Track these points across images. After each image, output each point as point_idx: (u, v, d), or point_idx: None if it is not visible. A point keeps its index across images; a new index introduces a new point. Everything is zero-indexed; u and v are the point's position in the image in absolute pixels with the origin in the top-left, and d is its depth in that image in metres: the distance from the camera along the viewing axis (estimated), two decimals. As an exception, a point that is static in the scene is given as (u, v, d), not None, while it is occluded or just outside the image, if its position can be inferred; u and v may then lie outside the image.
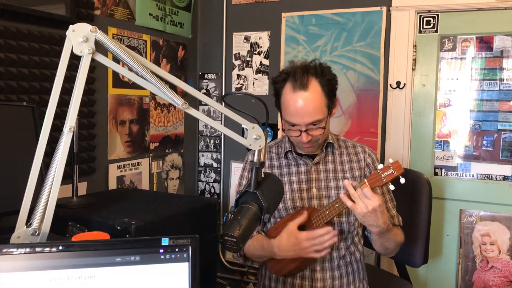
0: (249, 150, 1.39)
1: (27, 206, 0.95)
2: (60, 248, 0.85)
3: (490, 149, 2.45)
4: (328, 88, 1.54)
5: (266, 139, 1.16)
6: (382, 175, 1.44)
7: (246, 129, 1.15)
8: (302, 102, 1.50)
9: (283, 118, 1.58)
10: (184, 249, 0.90)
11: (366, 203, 1.39)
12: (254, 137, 1.13)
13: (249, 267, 2.94)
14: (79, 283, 0.85)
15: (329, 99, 1.55)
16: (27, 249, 0.84)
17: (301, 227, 1.57)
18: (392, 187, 1.48)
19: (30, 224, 0.95)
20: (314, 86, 1.52)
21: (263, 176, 1.16)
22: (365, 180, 1.45)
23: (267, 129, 1.17)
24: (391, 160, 1.46)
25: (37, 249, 0.84)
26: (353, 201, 1.42)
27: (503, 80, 2.41)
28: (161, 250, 0.89)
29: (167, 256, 0.89)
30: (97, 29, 0.98)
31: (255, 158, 1.14)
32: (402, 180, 1.44)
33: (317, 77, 1.53)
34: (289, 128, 1.56)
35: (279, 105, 1.59)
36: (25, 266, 0.83)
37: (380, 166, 1.46)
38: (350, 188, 1.42)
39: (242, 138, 1.15)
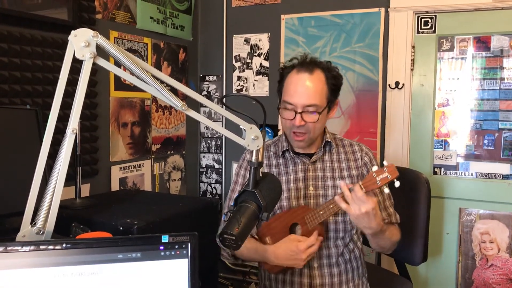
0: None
1: (31, 206, 0.97)
2: (64, 245, 0.88)
3: (491, 148, 2.47)
4: (332, 81, 1.59)
5: (264, 140, 1.18)
6: (377, 178, 1.44)
7: (244, 130, 1.17)
8: (304, 82, 1.54)
9: (282, 99, 1.60)
10: (184, 246, 0.92)
11: (360, 206, 1.40)
12: (252, 137, 1.15)
13: (251, 267, 2.96)
14: (82, 279, 0.87)
15: (331, 93, 1.59)
16: (32, 247, 0.87)
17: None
18: (387, 190, 1.47)
19: (35, 223, 0.98)
20: (319, 74, 1.57)
21: (261, 175, 1.19)
22: (360, 183, 1.45)
23: (267, 129, 1.19)
24: (385, 163, 1.45)
25: (42, 247, 0.87)
26: (348, 203, 1.43)
27: (504, 79, 2.42)
28: (161, 247, 0.91)
29: (167, 253, 0.91)
30: (98, 34, 1.00)
31: (253, 158, 1.17)
32: (397, 184, 1.43)
33: (323, 70, 1.58)
34: (285, 108, 1.58)
35: (281, 89, 1.62)
36: (30, 263, 0.86)
37: (375, 168, 1.46)
38: (345, 190, 1.43)
39: (240, 138, 1.16)
